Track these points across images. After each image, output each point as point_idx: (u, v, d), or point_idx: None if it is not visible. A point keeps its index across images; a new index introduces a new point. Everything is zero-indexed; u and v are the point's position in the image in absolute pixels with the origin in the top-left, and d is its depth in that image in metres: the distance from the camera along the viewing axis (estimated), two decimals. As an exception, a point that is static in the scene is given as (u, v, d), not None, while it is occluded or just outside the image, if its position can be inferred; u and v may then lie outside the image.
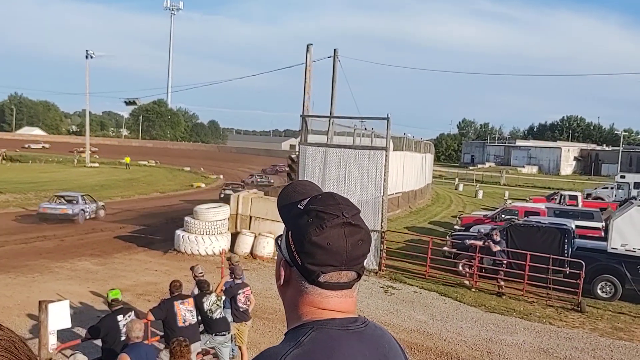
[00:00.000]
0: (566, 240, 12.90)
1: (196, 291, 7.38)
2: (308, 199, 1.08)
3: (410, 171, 26.83)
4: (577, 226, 15.94)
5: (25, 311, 9.46)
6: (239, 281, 7.67)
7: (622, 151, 68.05)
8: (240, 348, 7.72)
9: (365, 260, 1.09)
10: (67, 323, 6.12)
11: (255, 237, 15.10)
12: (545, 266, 12.18)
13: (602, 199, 31.55)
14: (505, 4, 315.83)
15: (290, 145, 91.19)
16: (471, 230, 16.79)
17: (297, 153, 16.20)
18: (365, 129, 20.19)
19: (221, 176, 47.67)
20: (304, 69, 18.26)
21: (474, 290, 12.78)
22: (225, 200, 18.72)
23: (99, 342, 6.22)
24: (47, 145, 76.45)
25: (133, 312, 6.47)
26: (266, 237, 14.83)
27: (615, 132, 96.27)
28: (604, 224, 18.46)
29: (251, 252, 14.99)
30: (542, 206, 20.64)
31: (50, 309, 5.86)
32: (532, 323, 10.67)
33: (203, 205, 15.93)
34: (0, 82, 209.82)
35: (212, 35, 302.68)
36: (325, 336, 1.02)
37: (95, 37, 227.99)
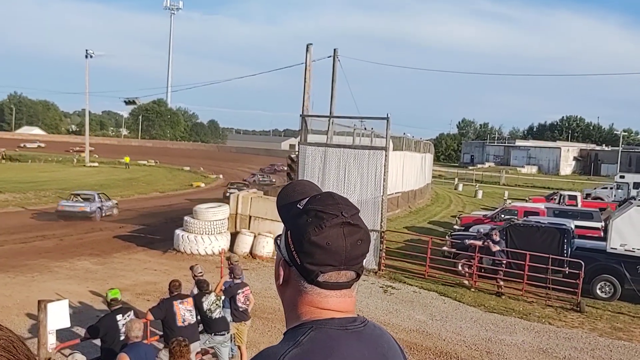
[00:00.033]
0: (565, 240, 12.90)
1: (195, 291, 7.38)
2: (307, 199, 1.08)
3: (410, 171, 26.83)
4: (576, 226, 15.93)
5: (25, 310, 9.46)
6: (238, 281, 7.67)
7: (621, 151, 68.08)
8: (239, 348, 7.72)
9: (365, 260, 1.09)
10: (66, 322, 6.12)
11: (254, 236, 15.10)
12: (544, 266, 12.18)
13: (602, 199, 31.56)
14: (505, 4, 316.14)
15: (290, 145, 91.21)
16: (471, 230, 16.79)
17: (297, 153, 16.20)
18: (365, 128, 20.17)
19: (221, 176, 47.67)
20: (303, 68, 18.26)
21: (473, 290, 12.79)
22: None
23: (98, 341, 6.22)
24: (42, 145, 76.38)
25: (132, 311, 6.46)
26: (266, 237, 14.83)
27: (615, 132, 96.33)
28: (603, 224, 18.47)
29: (251, 252, 14.99)
30: (541, 206, 20.65)
31: (50, 308, 5.86)
32: (531, 323, 10.68)
33: (202, 204, 15.93)
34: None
35: (211, 35, 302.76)
36: (324, 336, 1.02)
37: (94, 36, 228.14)
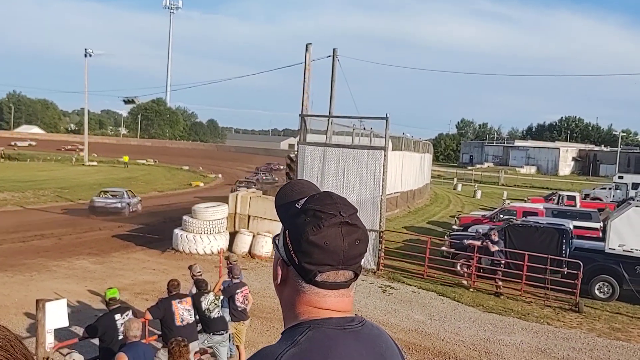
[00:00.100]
0: (564, 241, 12.91)
1: (194, 290, 7.38)
2: (305, 198, 1.08)
3: (409, 171, 26.85)
4: (575, 226, 15.95)
5: (23, 310, 9.45)
6: (237, 280, 7.67)
7: (620, 152, 68.18)
8: (238, 347, 7.72)
9: (363, 260, 1.09)
10: (64, 322, 6.10)
11: (253, 236, 15.10)
12: (543, 266, 12.19)
13: (600, 200, 31.61)
14: (505, 4, 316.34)
15: (289, 144, 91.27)
16: (469, 230, 16.79)
17: (296, 152, 16.20)
18: (364, 128, 20.17)
19: (220, 175, 47.66)
20: (303, 68, 18.26)
21: (472, 290, 12.80)
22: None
23: (96, 341, 6.22)
24: (33, 143, 76.24)
25: (131, 311, 6.46)
26: (265, 237, 14.82)
27: (614, 132, 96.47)
28: (601, 224, 18.49)
29: (249, 252, 14.99)
30: (540, 206, 20.65)
31: (48, 307, 5.85)
32: (529, 323, 10.69)
33: (201, 204, 15.92)
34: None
35: (211, 34, 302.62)
36: (321, 335, 1.02)
37: (94, 35, 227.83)
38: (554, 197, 27.62)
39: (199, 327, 7.00)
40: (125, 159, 54.51)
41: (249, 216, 15.59)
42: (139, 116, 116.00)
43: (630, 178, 34.24)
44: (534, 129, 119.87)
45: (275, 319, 9.41)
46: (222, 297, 7.38)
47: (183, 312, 6.57)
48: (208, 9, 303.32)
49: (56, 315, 5.91)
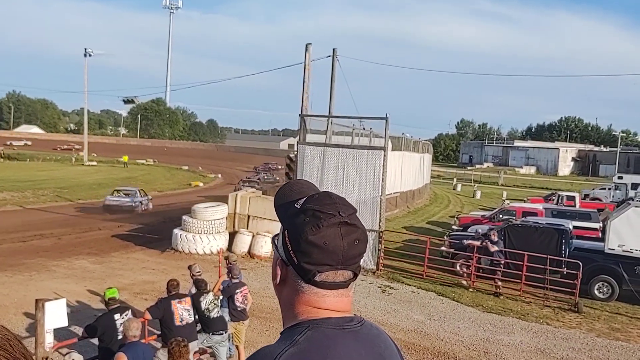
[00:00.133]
0: (563, 241, 12.92)
1: (194, 290, 7.38)
2: (305, 198, 1.08)
3: (409, 171, 26.85)
4: (574, 227, 15.95)
5: (22, 309, 9.45)
6: (236, 280, 7.67)
7: (619, 152, 68.21)
8: (237, 347, 7.72)
9: (363, 260, 1.09)
10: (63, 322, 6.10)
11: (253, 236, 15.09)
12: (542, 266, 12.20)
13: (600, 200, 31.62)
14: (505, 4, 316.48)
15: (289, 144, 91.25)
16: (469, 230, 16.80)
17: (296, 152, 16.20)
18: (364, 128, 20.17)
19: (219, 175, 47.65)
20: (302, 68, 18.25)
21: (471, 290, 12.80)
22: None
23: (95, 341, 6.21)
24: (29, 143, 76.33)
25: (130, 311, 6.45)
26: (264, 237, 14.82)
27: (613, 133, 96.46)
28: (601, 224, 18.50)
29: (249, 252, 14.99)
30: (539, 207, 20.65)
31: (47, 307, 5.84)
32: (529, 323, 10.70)
33: (201, 204, 15.93)
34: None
35: (211, 34, 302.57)
36: (320, 335, 1.02)
37: (94, 35, 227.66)
38: (554, 198, 27.63)
39: (199, 327, 7.00)
40: (125, 158, 54.49)
41: (249, 216, 15.59)
42: (139, 116, 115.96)
43: (629, 178, 34.28)
44: (533, 129, 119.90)
45: (275, 318, 9.41)
46: (221, 297, 7.38)
47: (182, 312, 6.57)
48: (208, 9, 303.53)
49: (55, 315, 5.91)
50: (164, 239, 16.08)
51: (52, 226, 18.78)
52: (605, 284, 12.54)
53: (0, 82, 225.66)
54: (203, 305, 6.94)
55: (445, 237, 16.61)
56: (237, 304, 7.50)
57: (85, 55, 52.17)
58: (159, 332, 6.97)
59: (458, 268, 13.91)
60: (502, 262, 12.68)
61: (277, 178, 40.23)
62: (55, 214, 21.78)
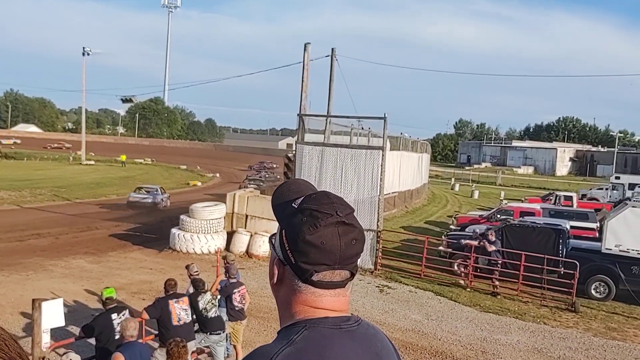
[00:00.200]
0: (561, 241, 12.95)
1: (191, 290, 7.37)
2: (302, 198, 1.08)
3: (407, 171, 26.88)
4: (571, 227, 15.99)
5: (19, 309, 9.42)
6: (234, 280, 7.66)
7: (617, 152, 68.30)
8: (235, 347, 7.71)
9: (361, 260, 1.09)
10: (60, 321, 6.09)
11: (251, 235, 15.08)
12: (539, 266, 12.22)
13: (597, 200, 31.69)
14: (504, 5, 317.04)
15: (287, 144, 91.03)
16: (467, 230, 16.83)
17: (294, 152, 16.19)
18: (362, 128, 20.20)
19: (217, 174, 47.61)
20: (301, 68, 18.25)
21: (469, 290, 12.82)
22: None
23: (92, 340, 6.20)
24: (18, 141, 76.16)
25: (127, 310, 6.44)
26: (262, 236, 14.81)
27: (611, 133, 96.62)
28: (598, 224, 18.55)
29: (247, 251, 14.98)
30: (537, 206, 20.70)
31: (44, 307, 5.83)
32: (526, 323, 10.72)
33: (199, 203, 15.90)
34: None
35: (209, 34, 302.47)
36: (317, 335, 1.02)
37: (92, 34, 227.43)
38: (551, 198, 27.68)
39: (196, 326, 6.99)
40: (123, 158, 54.36)
41: (247, 216, 15.58)
42: (137, 115, 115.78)
43: (627, 178, 34.37)
44: (531, 129, 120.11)
45: (273, 318, 9.41)
46: (219, 296, 7.37)
47: (180, 311, 6.57)
48: (207, 8, 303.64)
49: (52, 315, 5.90)
50: (162, 238, 16.05)
51: (49, 225, 18.73)
52: (602, 283, 12.58)
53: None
54: (201, 305, 6.94)
55: (443, 236, 16.63)
56: (235, 303, 7.49)
57: (83, 54, 52.07)
58: (156, 332, 6.96)
59: (456, 268, 13.92)
60: (500, 261, 12.71)
61: (278, 177, 40.28)
62: (53, 213, 21.72)
